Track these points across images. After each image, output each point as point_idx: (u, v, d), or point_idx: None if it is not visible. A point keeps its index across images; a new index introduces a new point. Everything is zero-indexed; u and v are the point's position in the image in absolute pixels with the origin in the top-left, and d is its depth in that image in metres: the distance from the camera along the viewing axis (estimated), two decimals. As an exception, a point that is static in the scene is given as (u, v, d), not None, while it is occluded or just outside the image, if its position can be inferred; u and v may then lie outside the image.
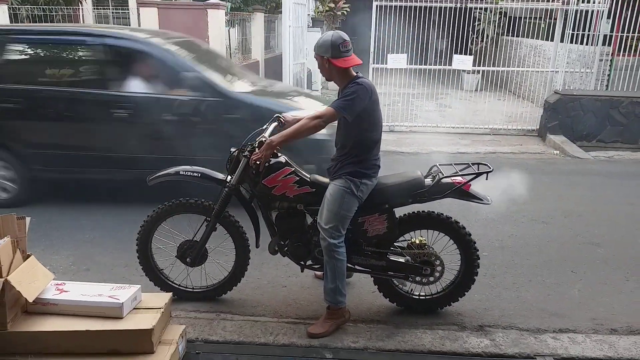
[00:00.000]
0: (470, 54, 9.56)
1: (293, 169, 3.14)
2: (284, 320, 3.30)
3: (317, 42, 2.97)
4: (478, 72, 12.06)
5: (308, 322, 3.23)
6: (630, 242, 4.62)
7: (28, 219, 2.68)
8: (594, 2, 8.83)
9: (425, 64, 9.43)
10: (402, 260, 3.25)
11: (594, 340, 3.14)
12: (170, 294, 2.90)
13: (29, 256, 2.62)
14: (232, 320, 3.27)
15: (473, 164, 3.24)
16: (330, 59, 2.90)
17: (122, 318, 2.55)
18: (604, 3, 8.70)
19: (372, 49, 8.80)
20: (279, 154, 3.16)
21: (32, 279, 2.52)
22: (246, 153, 3.10)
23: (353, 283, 3.68)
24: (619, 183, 6.51)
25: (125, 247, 4.24)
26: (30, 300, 2.46)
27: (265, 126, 3.33)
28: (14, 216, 2.59)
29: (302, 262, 3.32)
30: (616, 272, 4.06)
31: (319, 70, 3.07)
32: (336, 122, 3.03)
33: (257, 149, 3.02)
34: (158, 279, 3.44)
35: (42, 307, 2.58)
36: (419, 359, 2.96)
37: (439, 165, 3.27)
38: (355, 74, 2.99)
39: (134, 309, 2.65)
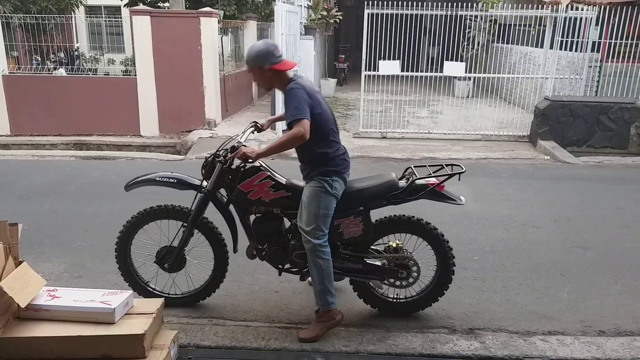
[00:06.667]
0: (461, 61, 9.65)
1: (268, 173, 3.17)
2: (275, 325, 3.31)
3: (248, 56, 3.01)
4: (469, 78, 12.16)
5: (300, 327, 3.25)
6: (618, 245, 4.68)
7: (20, 226, 2.70)
8: (582, 10, 8.95)
9: (417, 71, 9.51)
10: (378, 263, 3.28)
11: (583, 342, 3.17)
12: (162, 300, 2.91)
13: (21, 262, 2.63)
14: (224, 325, 3.28)
15: (447, 165, 3.29)
16: (272, 66, 2.96)
17: (114, 323, 2.56)
18: (592, 10, 8.83)
19: (364, 57, 8.87)
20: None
21: (25, 285, 2.53)
22: (220, 158, 3.13)
23: (344, 288, 3.70)
24: (608, 188, 6.58)
25: (117, 253, 4.25)
26: (23, 306, 2.47)
27: (242, 131, 3.39)
28: (6, 223, 2.61)
29: (280, 266, 3.34)
30: (604, 275, 4.10)
31: (255, 84, 3.11)
32: None
33: (229, 154, 3.07)
34: (138, 285, 3.46)
35: (34, 313, 2.59)
36: (409, 362, 2.99)
37: (414, 167, 3.31)
38: (291, 77, 3.03)
39: (126, 314, 2.66)
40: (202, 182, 3.25)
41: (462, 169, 3.17)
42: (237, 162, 3.12)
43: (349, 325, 3.28)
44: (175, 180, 3.29)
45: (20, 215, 5.05)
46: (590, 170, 7.45)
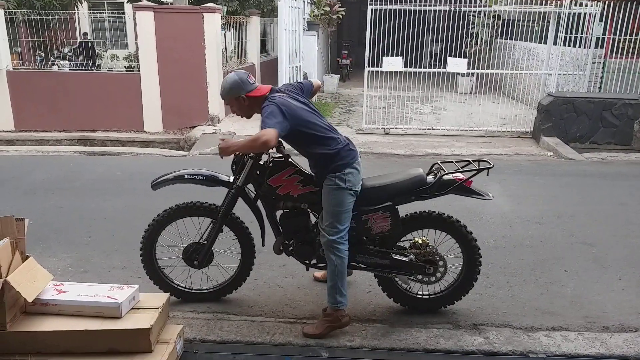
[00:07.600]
0: (464, 57, 9.63)
1: (297, 168, 3.18)
2: (280, 320, 3.33)
3: (223, 89, 3.00)
4: (473, 74, 12.14)
5: (304, 322, 3.27)
6: (622, 241, 4.68)
7: (27, 221, 2.72)
8: (586, 5, 8.92)
9: (420, 67, 9.49)
10: (405, 259, 3.28)
11: (586, 338, 3.18)
12: (168, 294, 2.93)
13: (27, 257, 2.66)
14: (230, 320, 3.30)
15: (474, 160, 3.30)
16: (247, 94, 2.97)
17: (120, 318, 2.59)
18: (596, 6, 8.80)
19: (367, 53, 8.86)
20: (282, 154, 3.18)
21: (31, 280, 2.55)
22: (252, 154, 3.14)
23: (349, 283, 3.70)
24: (611, 184, 6.58)
25: (122, 249, 4.28)
26: (30, 300, 2.49)
27: None
28: (13, 218, 2.62)
29: (307, 261, 3.36)
30: (608, 271, 4.11)
31: (235, 115, 3.10)
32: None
33: None
34: (161, 281, 3.46)
35: (41, 308, 2.61)
36: (414, 357, 3.00)
37: (441, 162, 3.32)
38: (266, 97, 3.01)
39: (132, 308, 2.68)
40: (234, 178, 3.26)
41: (490, 164, 3.18)
42: (265, 157, 3.15)
43: (353, 320, 3.28)
44: (204, 177, 3.29)
45: (25, 210, 5.07)
46: (594, 167, 7.44)
